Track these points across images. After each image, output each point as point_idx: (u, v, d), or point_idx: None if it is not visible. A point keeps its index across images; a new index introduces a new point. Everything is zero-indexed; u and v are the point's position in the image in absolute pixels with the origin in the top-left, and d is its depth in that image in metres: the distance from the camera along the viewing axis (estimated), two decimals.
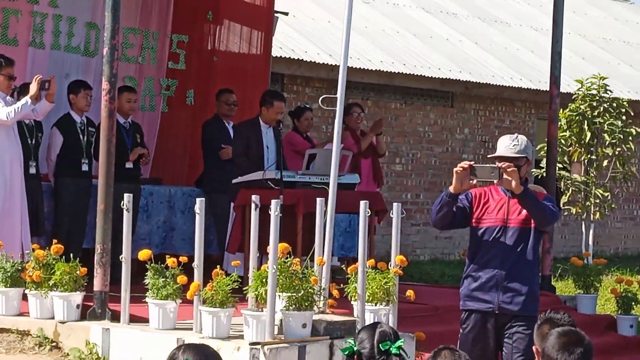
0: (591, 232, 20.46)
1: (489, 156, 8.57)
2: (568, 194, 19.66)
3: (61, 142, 12.61)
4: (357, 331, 7.45)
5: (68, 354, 9.89)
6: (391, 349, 6.18)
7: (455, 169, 8.10)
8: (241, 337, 9.44)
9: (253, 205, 9.98)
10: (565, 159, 19.83)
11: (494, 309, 8.10)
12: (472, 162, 8.30)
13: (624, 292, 13.79)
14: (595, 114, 20.50)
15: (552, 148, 15.82)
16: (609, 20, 29.38)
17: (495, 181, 8.13)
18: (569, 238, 22.09)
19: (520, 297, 8.11)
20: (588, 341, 4.41)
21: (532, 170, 15.26)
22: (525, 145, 8.39)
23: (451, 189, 8.07)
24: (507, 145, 8.40)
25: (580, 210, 20.24)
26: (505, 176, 7.92)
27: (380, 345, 6.26)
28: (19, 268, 10.50)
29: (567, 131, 19.66)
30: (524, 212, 8.07)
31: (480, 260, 8.31)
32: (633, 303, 13.69)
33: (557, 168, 16.58)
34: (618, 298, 13.82)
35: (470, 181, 8.09)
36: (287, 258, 9.66)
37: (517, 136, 8.71)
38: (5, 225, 11.32)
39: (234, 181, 12.31)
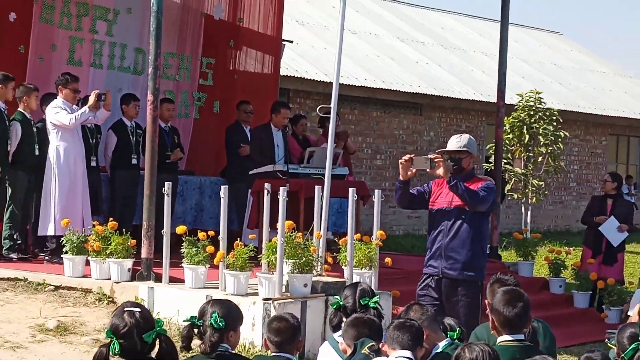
0: (529, 212, 20.61)
1: (437, 150, 8.63)
2: (511, 183, 19.82)
3: (115, 142, 12.63)
4: (342, 289, 7.48)
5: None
6: (369, 303, 6.24)
7: (399, 161, 8.29)
8: (256, 294, 9.51)
9: (265, 191, 10.02)
10: (509, 155, 19.93)
11: (439, 273, 8.22)
12: (412, 155, 8.45)
13: (554, 260, 13.91)
14: (532, 120, 20.56)
15: (498, 147, 15.86)
16: (543, 47, 29.41)
17: (427, 170, 8.23)
18: (511, 217, 22.19)
19: (458, 264, 8.19)
20: (526, 298, 4.88)
21: (484, 164, 15.27)
22: (467, 142, 8.47)
23: (400, 177, 8.27)
24: (452, 142, 8.55)
25: (520, 196, 20.37)
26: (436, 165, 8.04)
27: (360, 300, 6.33)
28: (83, 240, 10.56)
29: (510, 134, 19.77)
30: None
31: (432, 234, 8.49)
32: (562, 268, 13.79)
33: (502, 163, 16.65)
34: (550, 264, 13.93)
35: (411, 169, 8.19)
36: (292, 232, 9.71)
37: (461, 135, 8.88)
38: (70, 206, 11.37)
39: (250, 172, 12.32)
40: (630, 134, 27.29)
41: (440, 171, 8.05)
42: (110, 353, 4.25)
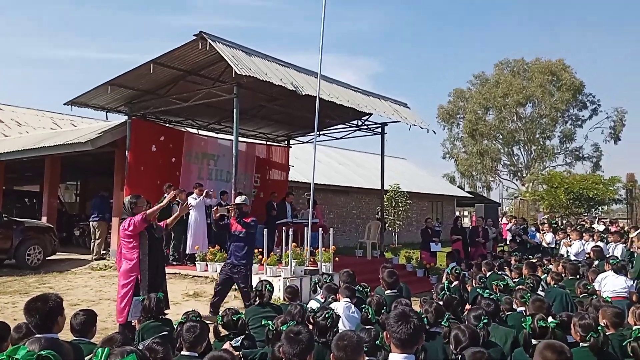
0: (396, 235, 20.43)
1: (232, 204, 8.59)
2: (387, 223, 19.63)
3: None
4: (317, 274, 7.28)
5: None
6: (328, 279, 6.06)
7: (214, 209, 7.82)
8: (280, 274, 9.29)
9: (284, 229, 9.93)
10: (388, 212, 19.81)
11: (232, 261, 7.76)
12: (218, 207, 7.93)
13: (407, 255, 13.54)
14: (397, 196, 20.57)
15: (382, 209, 15.83)
16: (400, 164, 29.32)
17: (225, 214, 8.16)
18: (387, 237, 21.61)
19: (239, 257, 7.72)
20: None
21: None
22: (244, 199, 8.17)
23: (215, 217, 7.75)
24: (238, 199, 8.23)
25: (391, 228, 20.19)
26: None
27: (324, 278, 6.13)
28: (204, 255, 10.37)
29: (387, 202, 19.69)
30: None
31: (230, 244, 7.97)
32: (411, 259, 13.36)
33: (384, 215, 16.55)
34: (405, 258, 13.44)
35: (217, 214, 7.64)
36: (295, 247, 9.61)
37: (242, 195, 8.54)
38: (198, 240, 11.13)
39: (277, 222, 12.15)
40: (437, 201, 27.33)
41: (232, 213, 7.97)
42: None
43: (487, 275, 8.23)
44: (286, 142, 16.99)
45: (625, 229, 17.66)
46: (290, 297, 5.62)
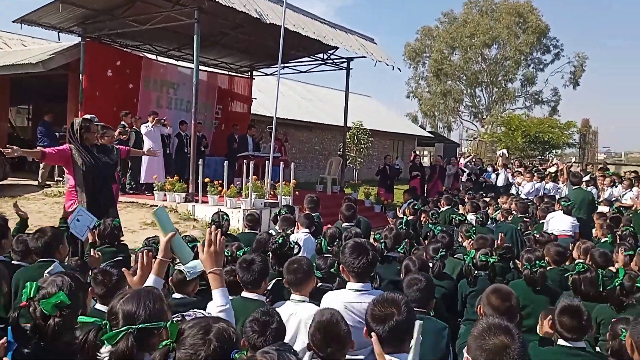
0: (356, 172, 20.63)
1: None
2: (349, 160, 19.72)
3: (177, 142, 12.05)
4: (278, 207, 7.27)
5: (180, 214, 9.68)
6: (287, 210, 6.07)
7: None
8: (240, 207, 9.31)
9: (245, 162, 9.86)
10: (350, 149, 19.86)
11: None
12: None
13: (366, 192, 13.81)
14: (359, 134, 20.60)
15: (344, 146, 15.89)
16: (364, 101, 29.03)
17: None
18: (347, 173, 21.73)
19: None
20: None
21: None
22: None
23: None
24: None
25: (352, 165, 20.35)
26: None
27: (282, 210, 6.17)
28: (163, 184, 10.24)
29: (349, 139, 19.69)
30: None
31: None
32: (370, 195, 13.69)
33: (345, 153, 16.64)
34: (365, 194, 13.77)
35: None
36: (256, 180, 9.59)
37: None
38: (155, 170, 10.94)
39: (238, 155, 12.07)
40: (399, 139, 27.55)
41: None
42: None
43: (440, 211, 8.49)
44: (249, 73, 16.53)
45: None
46: (251, 224, 5.65)
